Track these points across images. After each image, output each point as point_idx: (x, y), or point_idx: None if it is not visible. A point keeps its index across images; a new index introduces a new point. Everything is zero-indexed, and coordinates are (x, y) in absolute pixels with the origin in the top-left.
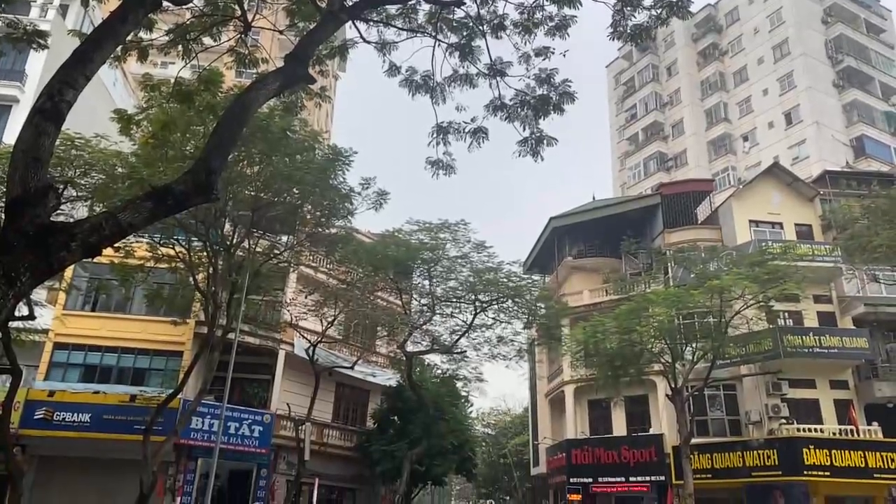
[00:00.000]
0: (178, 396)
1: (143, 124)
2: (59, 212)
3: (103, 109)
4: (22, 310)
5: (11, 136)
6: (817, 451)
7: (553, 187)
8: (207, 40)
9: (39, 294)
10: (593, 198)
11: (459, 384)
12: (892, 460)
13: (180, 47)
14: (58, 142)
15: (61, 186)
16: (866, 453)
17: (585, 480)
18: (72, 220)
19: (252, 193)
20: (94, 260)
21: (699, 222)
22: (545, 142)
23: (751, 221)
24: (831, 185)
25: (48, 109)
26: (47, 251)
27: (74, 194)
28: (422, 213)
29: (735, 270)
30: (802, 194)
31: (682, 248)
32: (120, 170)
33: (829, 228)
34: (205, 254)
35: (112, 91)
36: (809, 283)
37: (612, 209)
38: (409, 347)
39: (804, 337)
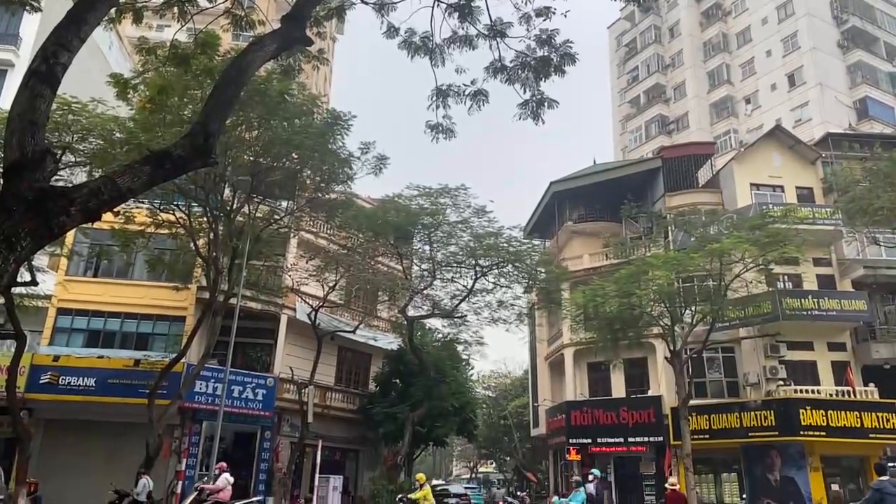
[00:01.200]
0: (182, 361)
1: (139, 88)
2: (57, 177)
3: (99, 74)
4: (24, 276)
5: (7, 100)
6: (814, 411)
7: (554, 153)
8: (203, 2)
9: (41, 260)
10: (594, 162)
11: (460, 348)
12: (888, 420)
13: (176, 9)
14: (54, 106)
15: (59, 151)
16: (862, 414)
17: (584, 441)
18: (71, 185)
19: (251, 158)
20: (95, 225)
21: (700, 186)
22: (546, 104)
23: (752, 185)
24: (833, 147)
25: (43, 72)
26: (47, 216)
27: (73, 160)
28: (422, 180)
29: (735, 234)
30: (804, 157)
31: (683, 211)
32: (118, 135)
33: (831, 191)
34: (205, 219)
35: (108, 55)
36: (809, 247)
37: (612, 173)
38: (410, 312)
39: (803, 300)
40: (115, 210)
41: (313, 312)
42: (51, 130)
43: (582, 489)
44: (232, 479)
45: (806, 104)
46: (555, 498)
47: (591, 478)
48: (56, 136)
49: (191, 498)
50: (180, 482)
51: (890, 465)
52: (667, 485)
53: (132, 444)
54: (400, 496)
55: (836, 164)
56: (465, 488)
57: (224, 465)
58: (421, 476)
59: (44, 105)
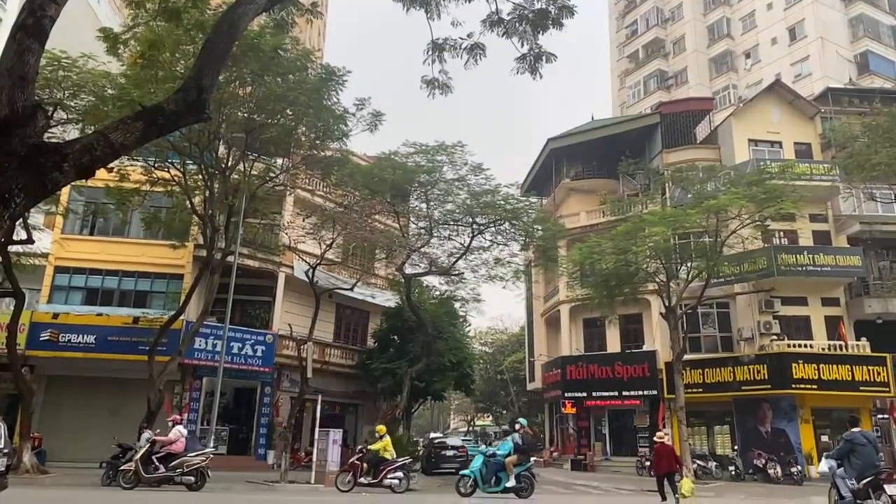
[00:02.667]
0: (181, 318)
1: (130, 44)
2: (49, 134)
3: (89, 29)
4: (20, 234)
5: None
6: (806, 365)
7: (552, 112)
8: None
9: (37, 218)
10: (592, 118)
11: (457, 305)
12: (878, 373)
13: None
14: (43, 62)
15: (50, 108)
16: (853, 367)
17: (580, 395)
18: (63, 141)
19: (245, 115)
20: (90, 183)
21: (698, 142)
22: (544, 58)
23: (750, 140)
24: (833, 102)
25: (30, 25)
26: (40, 172)
27: (65, 116)
28: (419, 138)
29: (732, 190)
30: (803, 112)
31: (681, 168)
32: (109, 91)
33: (829, 147)
34: (200, 177)
35: (97, 9)
36: (806, 202)
37: (610, 129)
38: (408, 269)
39: (798, 255)
40: (110, 167)
41: (311, 270)
42: (41, 87)
43: (509, 438)
44: (185, 432)
45: (806, 58)
46: (482, 447)
47: (517, 427)
48: (47, 92)
49: (143, 450)
50: None
51: (879, 416)
52: (655, 437)
53: (133, 400)
54: (360, 447)
55: (836, 119)
56: (462, 441)
57: (178, 417)
58: (381, 428)
59: (32, 59)
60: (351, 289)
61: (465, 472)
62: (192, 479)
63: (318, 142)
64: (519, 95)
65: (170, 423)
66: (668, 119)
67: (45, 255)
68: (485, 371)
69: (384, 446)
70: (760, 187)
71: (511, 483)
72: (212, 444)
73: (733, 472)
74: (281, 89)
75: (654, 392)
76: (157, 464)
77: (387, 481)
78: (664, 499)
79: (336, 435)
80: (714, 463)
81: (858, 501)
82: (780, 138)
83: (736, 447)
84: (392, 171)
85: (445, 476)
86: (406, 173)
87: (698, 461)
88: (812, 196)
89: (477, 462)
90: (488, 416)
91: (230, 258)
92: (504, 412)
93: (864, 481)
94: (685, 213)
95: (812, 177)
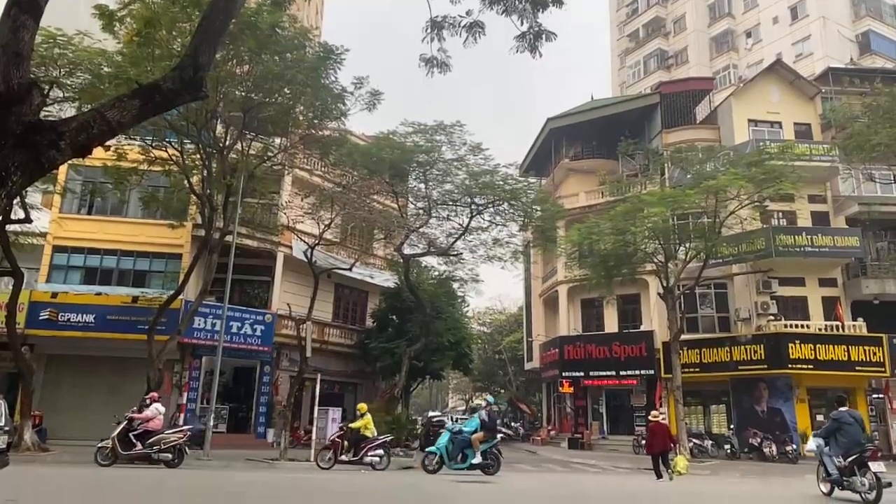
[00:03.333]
0: (180, 297)
1: (126, 21)
2: (46, 113)
3: (84, 5)
4: (18, 213)
5: None
6: (802, 345)
7: (552, 93)
8: None
9: (34, 197)
10: (591, 98)
11: (456, 285)
12: (874, 353)
13: None
14: (38, 39)
15: (46, 86)
16: (849, 347)
17: (577, 374)
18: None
19: (243, 94)
20: (87, 162)
21: (698, 122)
22: (544, 36)
23: (750, 121)
24: (834, 82)
25: (25, 1)
26: (36, 150)
27: (61, 95)
28: (418, 118)
29: (732, 170)
30: (804, 92)
31: (680, 148)
32: (106, 69)
33: (829, 127)
34: (198, 156)
35: None
36: (805, 183)
37: (610, 109)
38: (406, 250)
39: (796, 236)
40: (107, 146)
41: (309, 250)
42: (37, 65)
43: (476, 415)
44: (163, 409)
45: (808, 38)
46: (449, 423)
47: (484, 405)
48: (42, 70)
49: (120, 427)
50: (182, 415)
51: (874, 396)
52: (650, 417)
53: (133, 378)
54: (341, 424)
55: (836, 99)
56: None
57: (155, 395)
58: (362, 406)
59: (27, 36)
60: (349, 269)
61: (431, 448)
62: (170, 455)
63: (316, 121)
64: (517, 77)
65: (147, 401)
66: (667, 99)
67: (43, 235)
68: (483, 351)
69: (365, 424)
70: (760, 168)
71: (477, 460)
72: (211, 423)
73: (729, 451)
74: (278, 68)
75: (652, 372)
76: (133, 441)
77: (367, 459)
78: (659, 476)
79: (335, 413)
80: (710, 442)
81: (844, 478)
82: (780, 118)
83: (732, 426)
84: (391, 151)
85: None
86: (405, 153)
87: (694, 440)
88: (811, 177)
89: (443, 439)
90: (486, 395)
91: (229, 238)
92: (502, 391)
93: (850, 459)
94: (684, 194)
95: (811, 157)
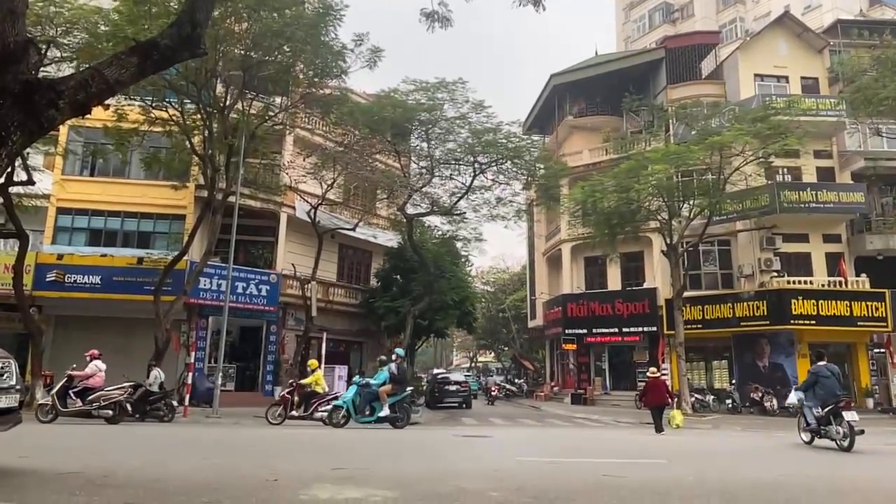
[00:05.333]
0: (185, 258)
1: None
2: (45, 72)
3: None
4: (21, 175)
5: None
6: (805, 301)
7: (555, 51)
8: None
9: (36, 159)
10: (595, 53)
11: (459, 244)
12: (877, 309)
13: None
14: None
15: (43, 46)
16: (852, 303)
17: (580, 332)
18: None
19: (242, 52)
20: (87, 123)
21: (703, 77)
22: None
23: (756, 76)
24: (842, 35)
25: None
26: (35, 109)
27: (58, 55)
28: (420, 76)
29: (737, 126)
30: (811, 46)
31: (685, 104)
32: (103, 28)
33: (836, 81)
34: (199, 116)
35: None
36: (811, 138)
37: (614, 64)
38: (409, 210)
39: (801, 192)
40: (106, 105)
41: (312, 210)
42: (33, 24)
43: (385, 368)
44: (104, 367)
45: None
46: (356, 377)
47: (394, 357)
48: (38, 29)
49: (59, 385)
50: (190, 374)
51: (875, 350)
52: (648, 373)
53: (141, 339)
54: (291, 380)
55: (844, 52)
56: (465, 376)
57: (95, 352)
58: (313, 362)
59: None
60: (353, 229)
61: (338, 402)
62: (110, 412)
63: (316, 79)
64: (521, 31)
65: (87, 358)
66: (673, 54)
67: (46, 196)
68: (486, 309)
69: (315, 380)
70: (765, 123)
71: (385, 412)
72: (219, 381)
73: (730, 406)
74: (277, 25)
75: (654, 328)
76: (73, 398)
77: (318, 414)
78: (660, 430)
79: (342, 371)
80: (711, 397)
81: (822, 427)
82: (787, 73)
83: (734, 381)
84: (392, 110)
85: (449, 409)
86: (406, 111)
87: (696, 395)
88: (817, 132)
89: (350, 392)
90: (490, 353)
91: (231, 198)
92: (505, 349)
93: (827, 409)
94: (689, 150)
95: (818, 112)
